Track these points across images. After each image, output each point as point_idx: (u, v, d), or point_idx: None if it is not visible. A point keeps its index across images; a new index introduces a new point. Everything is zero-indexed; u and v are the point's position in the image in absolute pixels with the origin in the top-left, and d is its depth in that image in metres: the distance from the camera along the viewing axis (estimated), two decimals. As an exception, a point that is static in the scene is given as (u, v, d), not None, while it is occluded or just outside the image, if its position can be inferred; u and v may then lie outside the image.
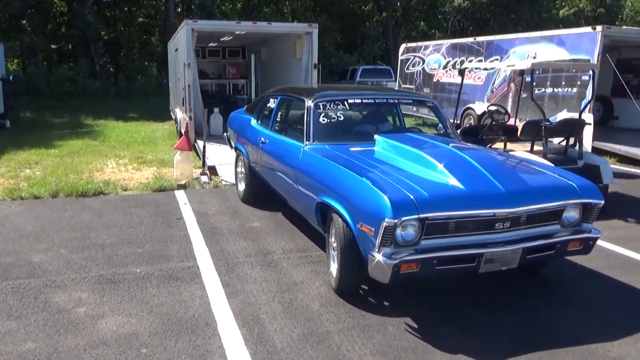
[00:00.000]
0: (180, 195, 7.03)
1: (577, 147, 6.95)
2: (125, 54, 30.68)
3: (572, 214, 3.87)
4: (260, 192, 6.40)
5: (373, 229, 3.40)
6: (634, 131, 11.72)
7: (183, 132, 8.42)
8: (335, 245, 4.02)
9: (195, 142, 9.57)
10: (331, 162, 4.20)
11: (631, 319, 3.70)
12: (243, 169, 6.59)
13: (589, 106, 10.81)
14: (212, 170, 8.33)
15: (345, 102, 5.04)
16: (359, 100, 5.14)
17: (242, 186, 6.69)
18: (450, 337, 3.39)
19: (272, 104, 5.98)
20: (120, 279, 4.23)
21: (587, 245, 3.92)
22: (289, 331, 3.44)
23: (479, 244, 3.57)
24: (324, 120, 4.91)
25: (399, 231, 3.37)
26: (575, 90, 10.92)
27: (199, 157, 9.14)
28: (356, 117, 5.35)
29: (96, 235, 5.29)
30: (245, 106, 7.11)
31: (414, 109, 12.87)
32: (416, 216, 3.34)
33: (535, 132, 6.61)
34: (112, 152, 10.31)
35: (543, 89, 11.64)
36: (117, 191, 7.19)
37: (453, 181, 3.67)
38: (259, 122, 6.20)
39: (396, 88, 17.68)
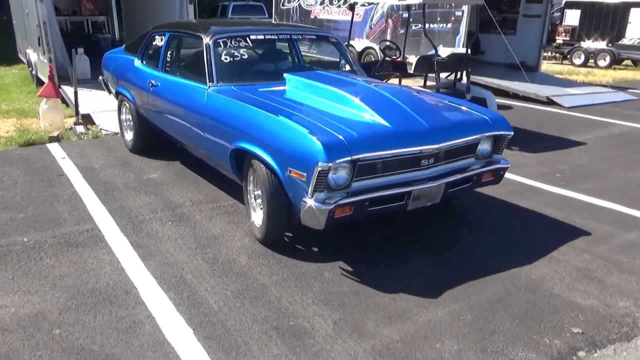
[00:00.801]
0: (55, 148, 6.19)
1: (463, 81, 7.26)
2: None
3: (485, 147, 3.99)
4: (153, 140, 5.85)
5: (305, 175, 3.20)
6: (498, 65, 12.58)
7: (47, 77, 7.35)
8: (257, 193, 3.77)
9: (60, 87, 8.45)
10: (246, 104, 3.86)
11: (537, 240, 3.99)
12: (129, 116, 5.94)
13: (463, 41, 11.41)
14: (88, 119, 7.45)
15: (247, 39, 4.63)
16: (262, 36, 4.76)
17: (129, 135, 6.05)
18: (387, 277, 3.38)
19: (159, 42, 5.35)
20: (5, 251, 3.62)
21: (499, 175, 4.10)
22: (221, 289, 3.19)
23: (406, 182, 3.54)
24: (226, 59, 4.48)
25: (331, 175, 3.21)
26: (450, 25, 11.36)
27: (67, 105, 8.14)
28: (260, 54, 4.97)
29: (-40, 202, 4.47)
30: (124, 45, 6.32)
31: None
32: (349, 158, 3.20)
33: (428, 67, 6.75)
34: (-46, 103, 8.79)
35: (420, 25, 11.94)
36: (-28, 149, 6.15)
37: (378, 119, 3.56)
38: (144, 62, 5.55)
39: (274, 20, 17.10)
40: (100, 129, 7.10)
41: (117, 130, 6.89)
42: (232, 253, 3.66)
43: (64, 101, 8.15)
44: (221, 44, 4.50)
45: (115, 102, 7.50)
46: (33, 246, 3.69)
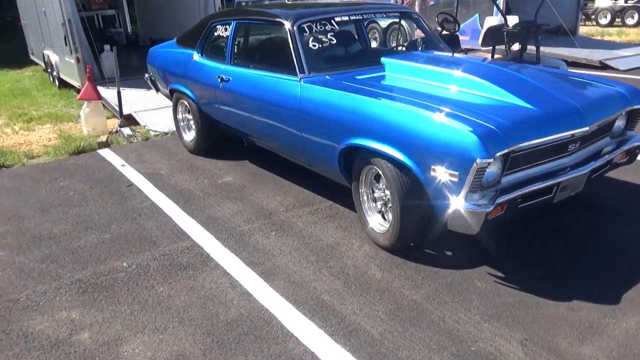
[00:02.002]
0: (109, 155, 5.79)
1: (525, 51, 6.81)
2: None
3: (619, 123, 3.58)
4: (217, 140, 5.45)
5: (457, 173, 2.79)
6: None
7: (86, 78, 6.89)
8: (378, 195, 3.39)
9: (93, 88, 8.02)
10: (359, 95, 3.42)
11: (684, 224, 3.59)
12: (189, 115, 5.52)
13: (502, 8, 10.85)
14: (130, 120, 7.04)
15: (332, 21, 4.18)
16: (346, 18, 4.30)
17: (189, 135, 5.63)
18: (547, 282, 2.99)
19: (222, 32, 4.90)
20: (109, 280, 3.24)
21: (634, 154, 3.69)
22: (370, 311, 2.81)
23: (552, 172, 3.14)
24: (314, 46, 4.05)
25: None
26: (487, -8, 10.79)
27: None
28: (344, 38, 4.51)
29: (34, 225, 4.08)
30: (175, 38, 5.86)
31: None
32: (506, 150, 2.79)
33: (497, 38, 6.29)
34: (-21, 112, 8.37)
35: (449, -6, 11.39)
36: (22, 161, 5.74)
37: (519, 102, 3.15)
38: (206, 56, 5.09)
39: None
40: (148, 129, 6.68)
41: (166, 129, 6.51)
42: (359, 264, 3.27)
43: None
44: (306, 29, 4.05)
45: (160, 100, 7.13)
46: (137, 272, 3.31)
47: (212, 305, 2.92)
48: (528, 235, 3.55)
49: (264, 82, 4.22)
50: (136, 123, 7.01)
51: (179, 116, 5.73)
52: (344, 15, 4.27)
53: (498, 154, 2.75)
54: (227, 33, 4.78)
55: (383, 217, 3.46)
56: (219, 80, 4.68)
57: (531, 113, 3.04)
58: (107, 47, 9.20)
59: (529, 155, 3.00)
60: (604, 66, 9.28)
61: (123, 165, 5.40)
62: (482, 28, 9.85)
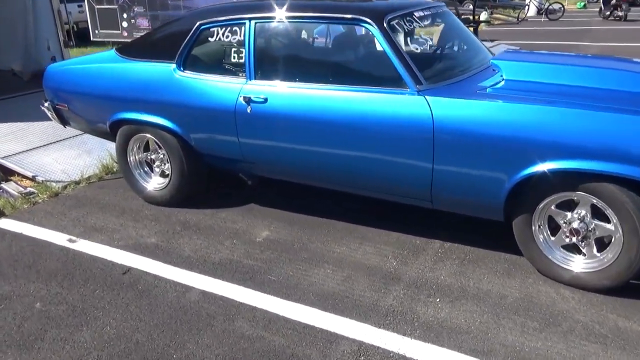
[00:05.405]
0: (26, 228, 3.83)
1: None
2: None
3: None
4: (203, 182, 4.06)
5: None
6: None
7: None
8: (580, 226, 2.72)
9: None
10: (570, 108, 2.65)
11: None
12: (153, 155, 3.98)
13: None
14: (5, 171, 4.91)
15: (414, 17, 3.31)
16: (422, 13, 3.42)
17: (154, 182, 4.05)
18: None
19: (227, 37, 3.53)
20: None
21: None
22: None
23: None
24: (416, 48, 3.15)
25: None
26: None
27: None
28: (427, 38, 3.63)
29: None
30: (114, 48, 4.13)
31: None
32: None
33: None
34: None
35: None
36: None
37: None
38: (196, 70, 3.63)
39: (86, 10, 13.95)
40: (44, 180, 4.69)
41: (76, 176, 4.71)
42: (599, 319, 2.57)
43: None
44: (396, 26, 3.12)
45: (28, 136, 5.34)
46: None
47: None
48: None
49: (344, 102, 3.11)
50: (11, 173, 4.91)
51: (132, 158, 4.08)
52: (419, 11, 3.41)
53: None
54: (240, 38, 3.47)
55: (582, 253, 2.81)
56: (244, 102, 3.38)
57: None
58: None
59: None
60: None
61: (72, 240, 3.60)
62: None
